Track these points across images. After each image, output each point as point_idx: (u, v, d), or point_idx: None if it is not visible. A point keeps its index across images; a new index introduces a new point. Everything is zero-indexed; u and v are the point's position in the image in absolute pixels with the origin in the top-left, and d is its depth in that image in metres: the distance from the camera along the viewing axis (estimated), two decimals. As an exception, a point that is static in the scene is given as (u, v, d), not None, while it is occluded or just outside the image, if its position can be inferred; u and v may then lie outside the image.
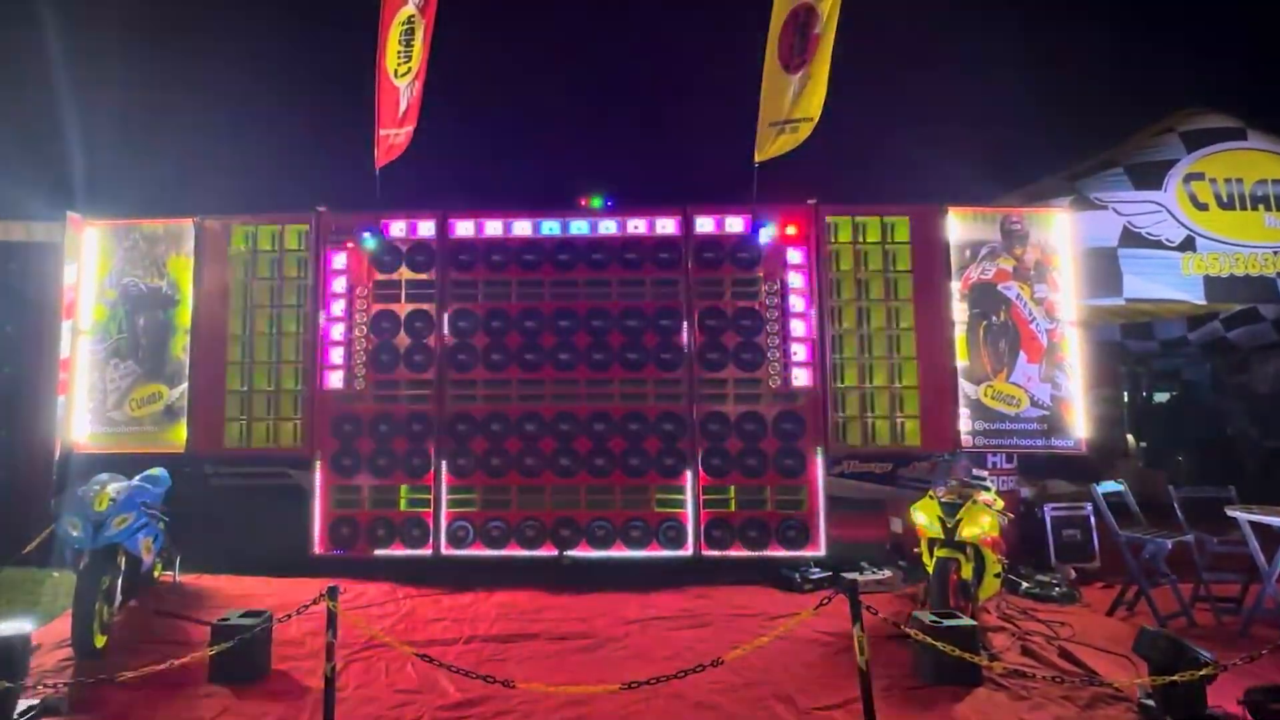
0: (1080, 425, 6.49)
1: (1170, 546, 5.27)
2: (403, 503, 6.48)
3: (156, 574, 5.81)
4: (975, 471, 6.20)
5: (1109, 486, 5.80)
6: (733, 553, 6.33)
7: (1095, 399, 7.96)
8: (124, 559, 4.99)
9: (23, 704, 3.70)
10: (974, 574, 4.93)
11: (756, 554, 6.30)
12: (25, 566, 5.99)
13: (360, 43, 7.25)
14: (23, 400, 6.85)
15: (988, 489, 5.41)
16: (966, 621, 4.34)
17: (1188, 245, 6.91)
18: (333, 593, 3.76)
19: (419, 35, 7.11)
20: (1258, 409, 10.10)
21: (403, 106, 7.13)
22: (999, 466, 6.80)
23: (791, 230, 6.56)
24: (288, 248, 6.76)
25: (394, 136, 7.13)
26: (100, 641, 4.57)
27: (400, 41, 7.10)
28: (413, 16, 7.09)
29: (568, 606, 5.57)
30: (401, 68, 7.11)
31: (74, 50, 9.98)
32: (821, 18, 6.78)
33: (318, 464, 6.49)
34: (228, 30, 11.45)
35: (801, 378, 6.47)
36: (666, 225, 6.69)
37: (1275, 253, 6.86)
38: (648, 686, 3.72)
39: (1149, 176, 7.12)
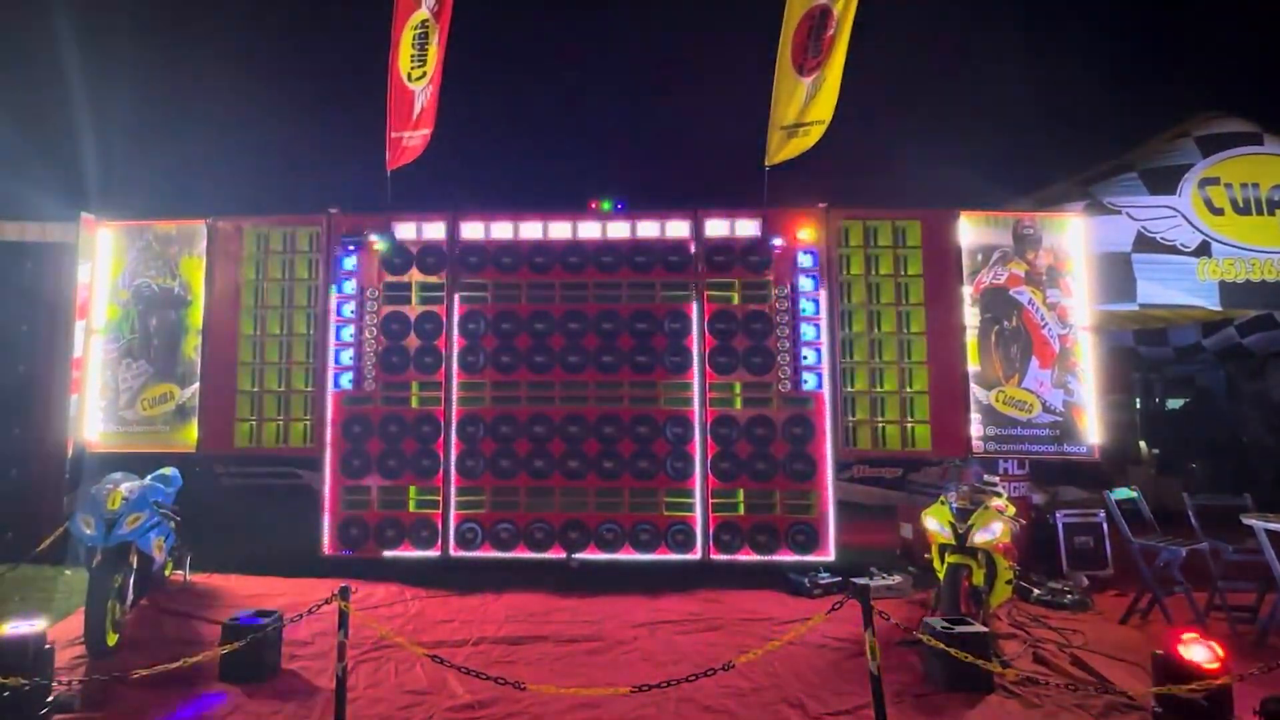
0: (1093, 431, 6.44)
1: (1184, 554, 5.22)
2: (412, 504, 6.49)
3: (167, 573, 5.84)
4: (986, 477, 6.18)
5: (1122, 493, 5.74)
6: (742, 557, 6.30)
7: (1108, 405, 7.90)
8: (136, 558, 5.02)
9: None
10: (985, 580, 4.89)
11: (765, 558, 6.27)
12: (39, 564, 6.03)
13: (373, 45, 7.29)
14: (36, 399, 6.90)
15: (999, 495, 5.38)
16: (978, 628, 4.31)
17: (1203, 250, 6.85)
18: (344, 592, 3.76)
19: (433, 40, 7.13)
20: (1273, 415, 10.00)
21: (417, 109, 7.15)
22: (1010, 472, 6.76)
23: (804, 234, 6.54)
24: (299, 249, 6.80)
25: (408, 139, 7.16)
26: (112, 639, 4.60)
27: (414, 45, 7.12)
28: (426, 21, 7.12)
29: (576, 609, 5.57)
30: (415, 71, 7.13)
31: (88, 53, 10.09)
32: (836, 20, 6.77)
33: (327, 465, 6.51)
34: (240, 32, 11.55)
35: (811, 382, 6.45)
36: (677, 228, 6.68)
37: (1292, 258, 6.80)
38: (657, 690, 3.71)
39: (1164, 181, 7.06)
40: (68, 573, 6.02)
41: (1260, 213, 6.91)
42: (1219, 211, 6.93)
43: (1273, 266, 6.80)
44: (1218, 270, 6.82)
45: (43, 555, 5.92)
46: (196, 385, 6.65)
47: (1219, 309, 6.95)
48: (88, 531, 4.82)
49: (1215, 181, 7.00)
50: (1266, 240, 6.85)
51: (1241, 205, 6.94)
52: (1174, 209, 6.94)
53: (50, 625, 4.69)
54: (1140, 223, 6.92)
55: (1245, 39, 12.19)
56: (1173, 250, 6.86)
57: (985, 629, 4.40)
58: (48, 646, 3.87)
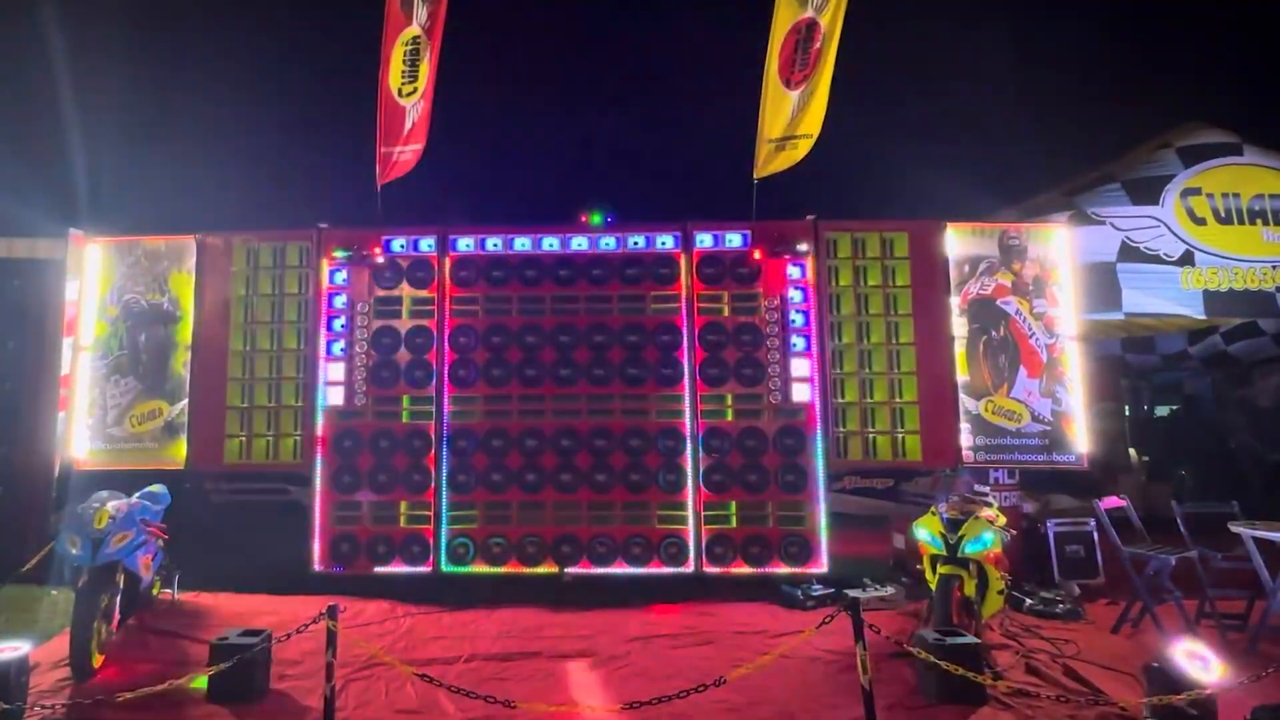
0: (1082, 440, 6.48)
1: (1174, 562, 5.25)
2: (403, 519, 6.45)
3: (155, 592, 5.78)
4: (977, 487, 6.18)
5: (1112, 502, 5.78)
6: (734, 569, 6.29)
7: (1097, 413, 7.95)
8: (123, 577, 4.97)
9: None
10: (977, 591, 4.90)
11: (758, 571, 6.26)
12: (24, 584, 5.96)
13: (364, 61, 7.32)
14: (23, 416, 6.84)
15: (990, 505, 5.40)
16: (970, 639, 4.31)
17: (1186, 260, 6.93)
18: (332, 611, 3.74)
19: (425, 56, 7.17)
20: (1260, 422, 10.08)
21: (408, 125, 7.17)
22: (1001, 482, 6.77)
23: (793, 246, 6.59)
24: (289, 264, 6.78)
25: (399, 154, 7.18)
26: (98, 661, 4.54)
27: (405, 61, 7.15)
28: (418, 37, 7.15)
29: (569, 624, 5.54)
30: (406, 87, 7.16)
31: (78, 68, 10.08)
32: (823, 33, 6.84)
33: (318, 480, 6.47)
34: (231, 48, 11.58)
35: (802, 393, 6.47)
36: (666, 241, 6.71)
37: (1274, 267, 6.88)
38: (650, 706, 3.69)
39: (1147, 192, 7.15)
40: (54, 593, 5.95)
41: (1242, 222, 7.01)
42: (1201, 221, 7.02)
43: (1255, 275, 6.88)
44: (1201, 279, 6.90)
45: (28, 575, 5.85)
46: (185, 401, 6.61)
47: (1204, 317, 7.02)
48: (74, 551, 4.76)
49: (1197, 192, 7.10)
50: (1248, 250, 6.94)
51: (1223, 215, 7.03)
52: (1157, 219, 7.03)
53: (35, 646, 4.65)
54: (1124, 233, 7.00)
55: (1225, 50, 12.40)
56: (1156, 260, 6.94)
57: (977, 640, 4.41)
58: (30, 668, 3.82)
